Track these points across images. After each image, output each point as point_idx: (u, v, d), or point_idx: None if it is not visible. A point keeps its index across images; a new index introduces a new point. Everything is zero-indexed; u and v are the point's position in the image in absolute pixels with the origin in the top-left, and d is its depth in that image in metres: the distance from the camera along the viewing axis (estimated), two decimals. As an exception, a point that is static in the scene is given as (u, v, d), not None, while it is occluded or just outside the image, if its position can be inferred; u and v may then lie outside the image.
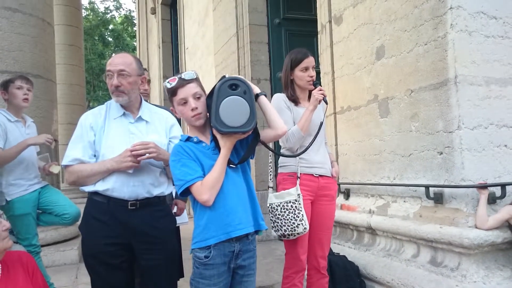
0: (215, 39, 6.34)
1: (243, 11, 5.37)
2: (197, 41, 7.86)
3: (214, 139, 1.58)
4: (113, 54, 1.95)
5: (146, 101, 2.18)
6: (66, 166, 1.82)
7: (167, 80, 1.61)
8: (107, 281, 1.81)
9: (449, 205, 2.33)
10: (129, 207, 1.80)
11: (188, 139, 1.61)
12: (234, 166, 1.58)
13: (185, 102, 1.58)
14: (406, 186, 2.62)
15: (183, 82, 1.58)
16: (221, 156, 1.53)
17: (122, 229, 1.80)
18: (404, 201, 2.68)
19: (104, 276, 1.81)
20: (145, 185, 1.83)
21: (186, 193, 1.55)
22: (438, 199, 2.38)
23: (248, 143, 1.63)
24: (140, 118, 1.90)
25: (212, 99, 1.52)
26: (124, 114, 1.88)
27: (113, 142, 1.83)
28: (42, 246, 3.49)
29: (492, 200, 2.23)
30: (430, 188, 2.40)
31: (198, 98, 1.59)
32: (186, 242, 1.92)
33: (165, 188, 1.90)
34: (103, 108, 1.91)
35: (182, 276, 3.14)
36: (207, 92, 1.61)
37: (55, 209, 2.90)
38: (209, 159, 1.56)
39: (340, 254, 2.88)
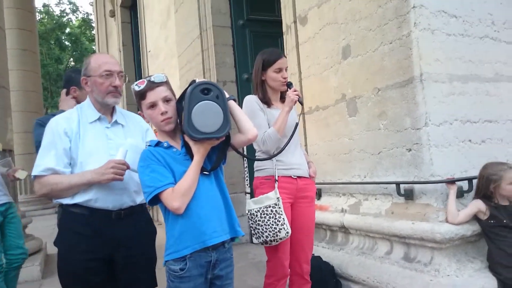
0: (178, 41, 6.21)
1: (206, 13, 5.29)
2: (159, 43, 7.68)
3: (185, 145, 1.51)
4: (97, 53, 1.85)
5: None
6: (36, 177, 1.67)
7: (136, 83, 1.53)
8: None
9: (420, 201, 2.37)
10: (113, 217, 1.69)
11: (158, 144, 1.53)
12: (207, 173, 1.52)
13: (154, 105, 1.50)
14: (376, 184, 2.65)
15: (152, 85, 1.51)
16: (194, 163, 1.47)
17: (105, 242, 1.68)
18: (376, 199, 2.70)
19: None
20: (130, 193, 1.73)
21: (155, 201, 1.46)
22: (409, 195, 2.41)
23: (219, 148, 1.57)
24: (116, 122, 1.81)
25: (182, 104, 1.45)
26: (99, 118, 1.77)
27: (91, 149, 1.71)
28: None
29: (460, 194, 2.28)
30: (400, 185, 2.43)
31: (168, 101, 1.52)
32: (158, 250, 1.84)
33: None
34: (74, 112, 1.79)
35: (156, 285, 3.02)
36: (177, 96, 1.54)
37: (11, 240, 2.71)
38: (180, 165, 1.49)
39: (315, 254, 2.86)
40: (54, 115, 1.96)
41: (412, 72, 2.35)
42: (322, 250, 2.99)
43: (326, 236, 3.11)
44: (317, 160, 3.24)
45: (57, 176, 1.67)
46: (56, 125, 1.72)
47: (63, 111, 2.15)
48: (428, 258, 2.24)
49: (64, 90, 2.55)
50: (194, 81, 1.49)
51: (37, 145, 1.93)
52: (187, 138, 1.48)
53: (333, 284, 2.67)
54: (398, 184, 2.44)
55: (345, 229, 2.87)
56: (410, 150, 2.39)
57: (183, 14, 5.93)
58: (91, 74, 1.75)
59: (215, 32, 5.20)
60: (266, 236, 2.05)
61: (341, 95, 2.93)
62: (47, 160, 1.67)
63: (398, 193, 2.44)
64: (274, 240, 2.06)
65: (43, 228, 6.53)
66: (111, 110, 1.82)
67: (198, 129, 1.42)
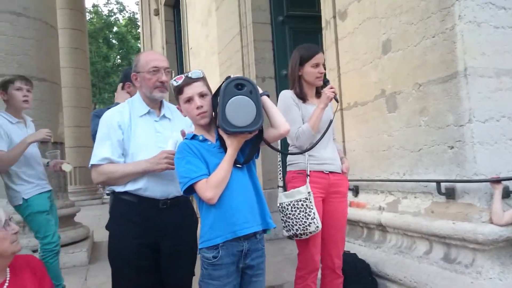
0: (219, 38, 6.32)
1: (246, 10, 5.34)
2: (201, 41, 7.84)
3: (220, 138, 1.56)
4: (146, 51, 1.98)
5: None
6: (94, 166, 1.79)
7: (174, 78, 1.60)
8: (133, 284, 1.78)
9: (462, 200, 2.29)
10: (160, 206, 1.79)
11: (194, 137, 1.59)
12: (240, 166, 1.56)
13: (190, 100, 1.57)
14: (416, 181, 2.58)
15: (189, 81, 1.57)
16: (227, 156, 1.51)
17: (152, 228, 1.77)
18: (415, 197, 2.64)
19: (132, 279, 1.77)
20: (175, 183, 1.79)
21: (190, 191, 1.53)
22: (450, 194, 2.33)
23: (251, 142, 1.61)
24: (164, 116, 1.91)
25: (217, 99, 1.50)
26: (149, 112, 1.88)
27: (142, 141, 1.81)
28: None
29: (506, 194, 2.17)
30: (441, 183, 2.36)
31: (204, 96, 1.57)
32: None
33: None
34: (126, 106, 1.89)
35: (193, 274, 3.13)
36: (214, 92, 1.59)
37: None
38: (214, 158, 1.54)
39: (350, 251, 2.84)
40: (109, 108, 2.09)
41: (456, 66, 2.27)
42: (359, 247, 2.96)
43: (362, 234, 3.07)
44: (355, 157, 3.21)
45: (113, 165, 1.78)
46: (110, 118, 1.84)
47: (118, 103, 2.29)
48: (469, 260, 2.16)
49: (120, 84, 2.70)
50: (229, 76, 1.53)
51: (93, 135, 2.07)
52: (221, 132, 1.53)
53: (369, 282, 2.64)
54: (439, 182, 2.37)
55: (382, 227, 2.82)
56: (452, 147, 2.31)
57: (223, 12, 6.02)
58: (140, 70, 1.85)
59: (255, 28, 5.24)
60: (296, 229, 2.08)
61: (381, 91, 2.88)
62: (103, 150, 1.78)
63: (439, 191, 2.37)
64: (304, 234, 2.08)
65: (91, 217, 6.90)
66: (159, 105, 1.92)
67: (231, 123, 1.46)
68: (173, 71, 1.96)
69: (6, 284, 1.47)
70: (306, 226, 2.05)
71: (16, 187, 2.71)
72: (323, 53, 3.62)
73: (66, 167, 2.82)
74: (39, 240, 2.82)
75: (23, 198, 2.71)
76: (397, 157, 2.75)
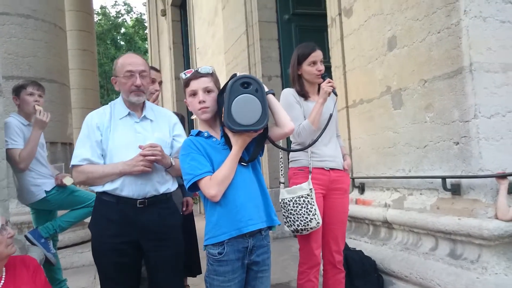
0: (225, 37, 6.34)
1: (252, 8, 5.35)
2: (207, 40, 7.88)
3: (225, 135, 1.57)
4: (126, 53, 2.00)
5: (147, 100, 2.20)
6: (74, 166, 1.84)
7: (184, 72, 1.64)
8: (116, 280, 1.83)
9: (467, 196, 2.28)
10: (137, 206, 1.83)
11: (199, 133, 1.61)
12: (245, 164, 1.57)
13: (195, 94, 1.59)
14: (422, 178, 2.57)
15: (197, 75, 1.60)
16: (232, 154, 1.52)
17: (131, 227, 1.82)
18: (421, 194, 2.63)
19: (114, 275, 1.83)
20: (152, 183, 1.86)
21: (194, 187, 1.54)
22: (456, 190, 2.32)
23: (256, 141, 1.61)
24: (145, 117, 1.94)
25: (223, 97, 1.51)
26: (129, 113, 1.91)
27: (120, 142, 1.85)
28: (60, 248, 3.53)
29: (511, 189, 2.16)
30: (447, 179, 2.35)
31: (209, 92, 1.59)
32: (202, 241, 1.94)
33: (170, 185, 1.93)
34: (108, 108, 1.94)
35: (200, 273, 3.16)
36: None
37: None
38: (219, 155, 1.56)
39: (356, 249, 2.84)
40: None
41: (461, 62, 2.26)
42: (365, 244, 2.96)
43: (368, 231, 3.07)
44: (360, 154, 3.21)
45: (93, 166, 1.82)
46: (90, 120, 1.89)
47: None
48: (475, 255, 2.15)
49: None
50: (235, 75, 1.54)
51: None
52: (226, 130, 1.54)
53: (375, 279, 2.64)
54: (444, 178, 2.36)
55: (388, 224, 2.82)
56: (457, 143, 2.30)
57: (230, 11, 6.04)
58: (117, 75, 1.89)
59: (261, 27, 5.25)
60: (297, 224, 2.10)
61: (386, 88, 2.87)
62: (83, 151, 1.83)
63: (445, 188, 2.36)
64: (305, 229, 2.10)
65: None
66: (141, 106, 1.95)
67: (237, 121, 1.47)
68: (159, 74, 1.98)
69: (2, 281, 1.56)
70: (307, 222, 2.07)
71: (36, 181, 2.78)
72: (328, 50, 3.64)
73: (67, 180, 2.88)
74: (82, 209, 2.85)
75: (45, 191, 2.77)
76: (402, 154, 2.75)
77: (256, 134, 1.55)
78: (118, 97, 1.99)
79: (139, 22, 26.76)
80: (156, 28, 12.23)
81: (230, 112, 1.47)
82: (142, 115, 1.93)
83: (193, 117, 1.79)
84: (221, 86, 1.62)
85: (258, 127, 1.49)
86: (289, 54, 5.20)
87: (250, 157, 1.60)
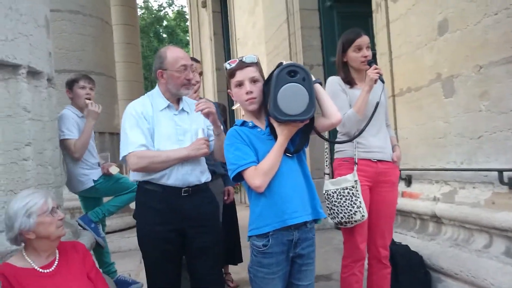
0: (266, 27, 6.29)
1: (293, -4, 5.25)
2: (247, 31, 7.85)
3: (270, 125, 1.54)
4: (169, 46, 2.03)
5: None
6: (132, 153, 1.82)
7: (228, 62, 1.59)
8: (162, 267, 1.88)
9: (527, 190, 2.12)
10: (182, 194, 1.87)
11: (243, 123, 1.59)
12: (290, 155, 1.54)
13: (241, 84, 1.55)
14: (475, 171, 2.42)
15: (243, 65, 1.55)
16: (277, 144, 1.49)
17: (176, 215, 1.86)
18: (474, 187, 2.48)
19: (161, 262, 1.87)
20: (196, 173, 1.90)
21: (238, 178, 1.52)
22: (514, 184, 2.16)
23: (302, 131, 1.57)
24: (183, 110, 1.97)
25: (269, 86, 1.47)
26: (168, 106, 1.94)
27: (164, 133, 1.88)
28: (108, 233, 3.68)
29: None
30: (504, 172, 2.19)
31: (255, 82, 1.54)
32: (243, 230, 1.95)
33: (208, 175, 1.99)
34: (147, 99, 1.96)
35: (241, 261, 3.19)
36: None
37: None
38: (263, 145, 1.53)
39: (402, 243, 2.74)
40: None
41: (522, 45, 2.09)
42: (411, 239, 2.85)
43: (415, 225, 2.95)
44: (408, 145, 3.07)
45: (154, 151, 1.85)
46: (134, 109, 1.91)
47: None
48: (535, 255, 2.01)
49: None
50: (281, 63, 1.49)
51: None
52: (272, 120, 1.50)
53: (422, 275, 2.54)
54: (501, 171, 2.20)
55: (437, 219, 2.69)
56: (516, 133, 2.14)
57: (270, 0, 5.97)
58: (168, 68, 1.90)
59: (302, 15, 5.15)
60: (341, 217, 2.04)
61: (436, 75, 2.72)
62: (138, 138, 1.84)
63: (501, 181, 2.20)
64: (349, 222, 2.04)
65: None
66: (178, 99, 1.97)
67: (283, 111, 1.42)
68: (201, 68, 2.01)
69: (56, 263, 1.63)
70: (351, 214, 2.00)
71: (85, 171, 2.91)
72: (373, 37, 3.50)
73: (113, 170, 2.98)
74: (127, 194, 2.97)
75: (93, 180, 2.89)
76: (454, 145, 2.60)
77: (302, 125, 1.51)
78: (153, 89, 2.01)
79: (180, 14, 27.18)
80: (197, 20, 12.36)
81: (276, 101, 1.43)
82: (180, 108, 1.96)
83: (234, 107, 1.78)
84: (265, 76, 1.58)
85: (304, 117, 1.45)
86: (331, 42, 5.11)
87: (295, 148, 1.56)
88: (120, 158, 1.90)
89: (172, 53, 1.91)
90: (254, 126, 1.57)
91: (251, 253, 1.57)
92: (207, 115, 1.82)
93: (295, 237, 1.53)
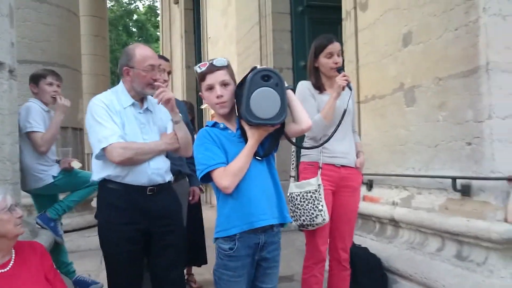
0: (238, 28, 6.30)
1: (265, -1, 5.30)
2: (219, 30, 7.84)
3: (241, 128, 1.55)
4: (138, 44, 1.99)
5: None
6: (113, 144, 1.74)
7: (198, 65, 1.58)
8: (125, 268, 1.85)
9: (477, 198, 2.25)
10: (147, 193, 1.85)
11: (215, 125, 1.59)
12: (259, 158, 1.55)
13: (211, 88, 1.55)
14: (432, 177, 2.54)
15: (213, 68, 1.54)
16: (247, 147, 1.50)
17: (141, 214, 1.84)
18: (430, 193, 2.60)
19: (124, 263, 1.84)
20: (161, 172, 1.89)
21: (206, 178, 1.52)
22: (466, 191, 2.29)
23: (272, 136, 1.59)
24: (147, 109, 1.95)
25: (242, 89, 1.48)
26: (133, 104, 1.91)
27: (129, 131, 1.85)
28: (67, 231, 3.58)
29: (524, 193, 2.13)
30: (457, 180, 2.32)
31: (226, 86, 1.55)
32: (208, 231, 1.96)
33: (171, 174, 2.00)
34: (112, 95, 1.91)
35: (205, 263, 3.18)
36: (238, 81, 1.58)
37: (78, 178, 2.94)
38: (234, 147, 1.54)
39: (362, 246, 2.83)
40: None
41: (478, 61, 2.21)
42: (370, 242, 2.95)
43: (375, 228, 3.06)
44: (370, 151, 3.17)
45: (136, 142, 1.82)
46: (102, 102, 1.85)
47: None
48: (482, 258, 2.13)
49: None
50: (255, 67, 1.51)
51: None
52: (243, 122, 1.51)
53: (379, 277, 2.63)
54: (454, 179, 2.33)
55: (395, 222, 2.80)
56: (470, 144, 2.27)
57: (243, 1, 5.99)
58: (135, 66, 1.86)
59: (274, 18, 5.21)
60: (303, 220, 2.09)
61: (399, 84, 2.83)
62: (115, 129, 1.79)
63: (454, 188, 2.33)
64: (310, 225, 2.09)
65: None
66: (142, 98, 1.95)
67: (255, 115, 1.44)
68: (168, 69, 1.99)
69: (11, 263, 1.59)
70: (313, 217, 2.05)
71: (44, 167, 2.80)
72: (341, 44, 3.59)
73: (76, 164, 2.90)
74: (86, 188, 2.90)
75: (52, 176, 2.80)
76: (413, 152, 2.72)
77: (273, 129, 1.53)
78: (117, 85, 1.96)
79: (151, 9, 26.67)
80: (168, 16, 12.19)
81: (248, 104, 1.44)
82: (145, 107, 1.94)
83: (203, 106, 1.78)
84: (236, 78, 1.59)
85: (275, 122, 1.47)
86: (301, 47, 5.19)
87: (265, 152, 1.57)
88: (97, 151, 1.78)
89: (140, 51, 1.88)
90: (225, 128, 1.58)
91: (217, 256, 1.57)
92: (166, 102, 1.82)
93: (261, 241, 1.54)
